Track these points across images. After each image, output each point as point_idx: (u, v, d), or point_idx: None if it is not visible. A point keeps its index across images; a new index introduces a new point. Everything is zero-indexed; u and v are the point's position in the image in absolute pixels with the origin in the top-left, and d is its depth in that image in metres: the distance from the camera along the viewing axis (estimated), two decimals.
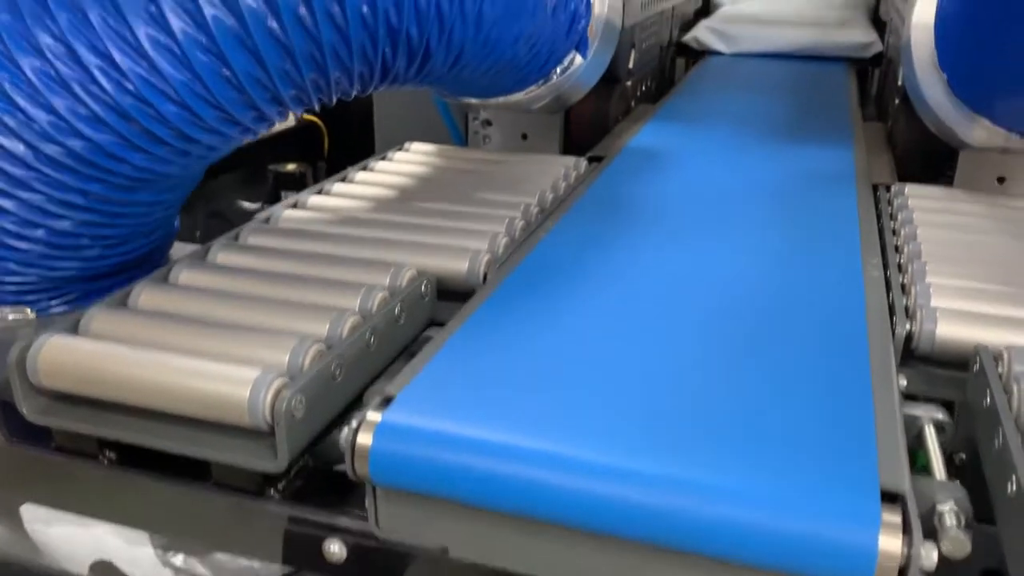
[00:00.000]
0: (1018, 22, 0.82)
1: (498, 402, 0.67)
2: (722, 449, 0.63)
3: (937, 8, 1.11)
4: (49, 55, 0.82)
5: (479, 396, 0.68)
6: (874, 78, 2.37)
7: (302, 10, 0.83)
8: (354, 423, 0.64)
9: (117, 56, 0.82)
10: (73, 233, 0.95)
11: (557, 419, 0.65)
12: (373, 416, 0.64)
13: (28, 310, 1.00)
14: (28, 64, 0.83)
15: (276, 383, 0.68)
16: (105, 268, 1.03)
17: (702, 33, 2.44)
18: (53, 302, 1.01)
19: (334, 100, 0.95)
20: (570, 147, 1.58)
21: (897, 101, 1.52)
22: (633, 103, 1.81)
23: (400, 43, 0.91)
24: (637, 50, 1.72)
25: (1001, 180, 1.31)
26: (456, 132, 1.63)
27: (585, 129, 1.59)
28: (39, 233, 0.93)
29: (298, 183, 2.67)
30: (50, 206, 0.91)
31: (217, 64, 0.83)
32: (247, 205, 2.59)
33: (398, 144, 1.68)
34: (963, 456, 0.78)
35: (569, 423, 0.65)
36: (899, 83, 1.53)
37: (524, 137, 1.58)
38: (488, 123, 1.59)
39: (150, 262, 1.11)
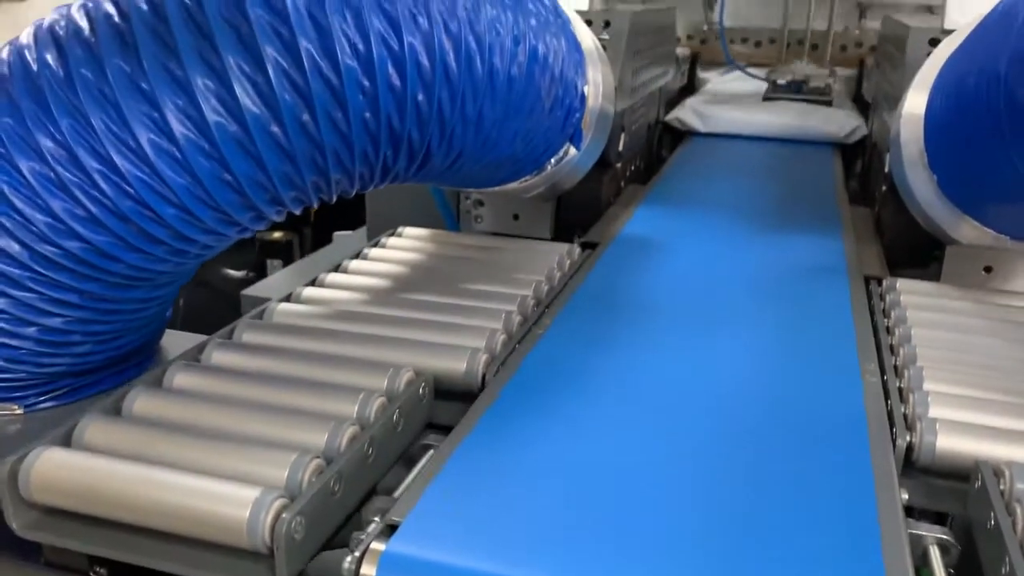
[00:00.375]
0: (1004, 137, 0.85)
1: (506, 531, 0.66)
2: (732, 571, 0.62)
3: (926, 110, 1.14)
4: (49, 158, 0.82)
5: (485, 524, 0.67)
6: (858, 156, 2.42)
7: (305, 116, 0.83)
8: (357, 552, 0.63)
9: (118, 160, 0.82)
10: (65, 330, 0.94)
11: (566, 549, 0.64)
12: (377, 545, 0.63)
13: (16, 407, 0.98)
14: (27, 167, 0.83)
15: (276, 504, 0.67)
16: (96, 363, 1.01)
17: (686, 114, 2.44)
18: (42, 398, 0.99)
19: (334, 199, 0.96)
20: (561, 228, 1.60)
21: (884, 188, 1.54)
22: (623, 184, 1.83)
23: (402, 146, 0.91)
24: (627, 133, 1.74)
25: (988, 269, 1.33)
26: (447, 211, 1.64)
27: (577, 211, 1.61)
28: (31, 331, 0.92)
29: (284, 251, 2.68)
30: (43, 304, 0.90)
31: (218, 168, 0.84)
32: (232, 273, 2.58)
33: (387, 212, 1.68)
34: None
35: (578, 554, 0.64)
36: (886, 169, 1.56)
37: (516, 217, 1.59)
38: (480, 203, 1.60)
39: (141, 354, 1.10)
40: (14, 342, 0.92)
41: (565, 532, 0.66)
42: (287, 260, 2.63)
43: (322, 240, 2.43)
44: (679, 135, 2.46)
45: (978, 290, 1.22)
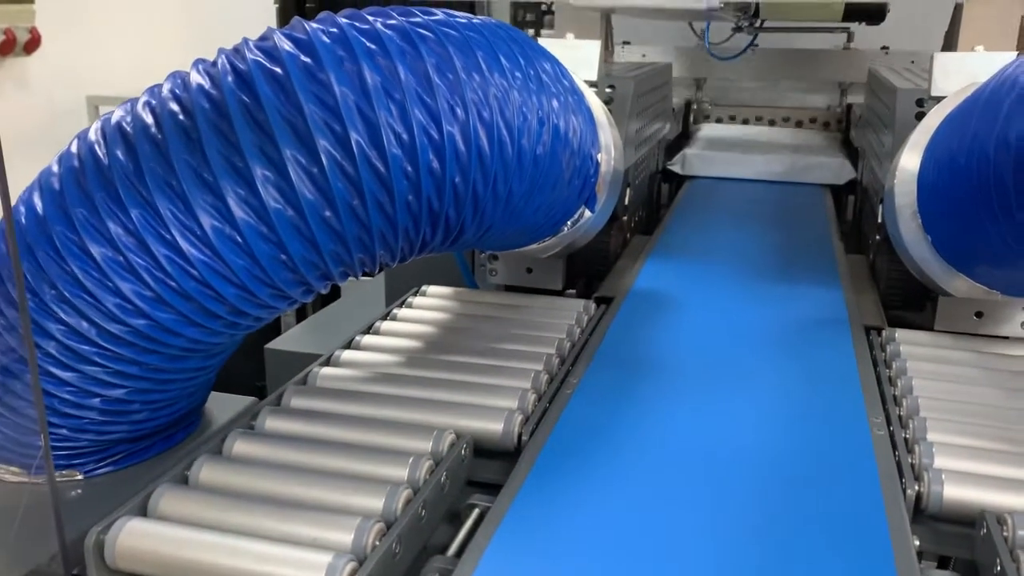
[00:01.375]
0: (994, 213, 0.92)
1: None
2: None
3: (919, 176, 1.22)
4: (120, 245, 0.89)
5: None
6: (847, 192, 2.50)
7: (355, 201, 0.91)
8: None
9: (184, 245, 0.89)
10: (126, 400, 1.00)
11: None
12: None
13: (77, 473, 1.03)
14: (99, 253, 0.89)
15: (347, 568, 0.73)
16: (150, 429, 1.07)
17: (685, 160, 2.55)
18: (100, 464, 1.05)
19: (376, 271, 1.03)
20: (571, 277, 1.67)
21: (878, 238, 1.63)
22: (629, 234, 1.91)
23: (439, 223, 0.99)
24: (632, 188, 1.83)
25: (979, 315, 1.41)
26: (464, 265, 1.71)
27: (586, 263, 1.68)
28: (95, 402, 0.98)
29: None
30: (107, 377, 0.96)
31: (275, 250, 0.91)
32: None
33: (404, 265, 1.75)
34: None
35: None
36: (879, 220, 1.64)
37: (529, 271, 1.66)
38: (495, 258, 1.66)
39: (188, 419, 1.16)
40: (79, 412, 0.98)
41: None
42: (299, 308, 2.69)
43: (334, 291, 2.51)
44: (672, 176, 2.55)
45: (973, 339, 1.30)
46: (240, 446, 0.95)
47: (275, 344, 1.76)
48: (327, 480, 0.87)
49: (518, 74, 1.05)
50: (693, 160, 2.54)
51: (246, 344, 2.05)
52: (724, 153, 2.56)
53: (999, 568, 0.77)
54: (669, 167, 2.53)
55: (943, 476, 0.89)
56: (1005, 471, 0.91)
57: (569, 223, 1.35)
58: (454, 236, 1.04)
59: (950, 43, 2.27)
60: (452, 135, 0.94)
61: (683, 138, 2.82)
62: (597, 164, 1.33)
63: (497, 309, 1.40)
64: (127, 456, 1.07)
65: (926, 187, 1.18)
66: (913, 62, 2.62)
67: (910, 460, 0.95)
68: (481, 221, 1.04)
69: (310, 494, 0.85)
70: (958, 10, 2.12)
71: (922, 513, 0.90)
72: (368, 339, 1.26)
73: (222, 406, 1.23)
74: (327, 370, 1.14)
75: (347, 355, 1.20)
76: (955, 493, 0.88)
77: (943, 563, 0.92)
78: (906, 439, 1.00)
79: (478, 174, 0.98)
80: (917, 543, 0.84)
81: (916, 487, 0.90)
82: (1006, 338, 1.34)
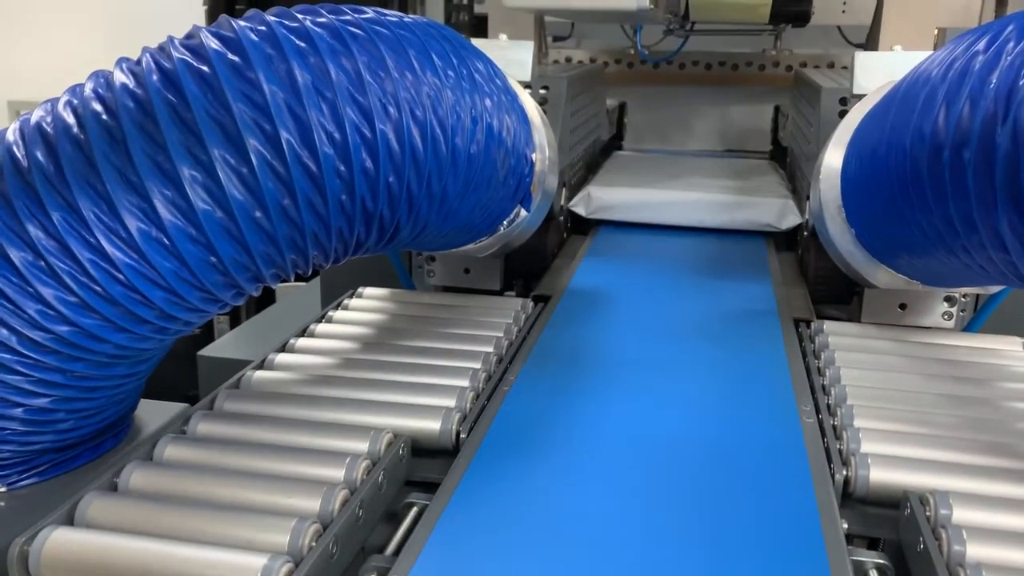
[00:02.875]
0: (911, 202, 0.96)
1: None
2: None
3: (843, 169, 1.26)
4: (41, 249, 0.86)
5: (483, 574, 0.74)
6: None
7: (286, 201, 0.90)
8: None
9: (108, 248, 0.86)
10: (50, 409, 0.97)
11: None
12: None
13: (0, 485, 1.00)
14: (19, 258, 0.87)
15: (283, 570, 0.72)
16: (77, 438, 1.04)
17: (589, 200, 1.97)
18: (24, 475, 1.02)
19: (309, 272, 1.02)
20: (509, 277, 1.68)
21: (806, 234, 1.67)
22: (565, 233, 1.93)
23: (374, 223, 0.98)
24: (567, 187, 1.84)
25: (903, 306, 1.46)
26: (400, 267, 1.70)
27: (525, 263, 1.69)
28: (17, 412, 0.95)
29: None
30: (30, 386, 0.93)
31: (204, 253, 0.89)
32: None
33: (340, 267, 1.73)
34: None
35: None
36: (806, 217, 1.68)
37: (467, 271, 1.66)
38: (432, 259, 1.66)
39: (117, 426, 1.13)
40: (1, 423, 0.95)
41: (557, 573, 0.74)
42: (233, 315, 2.65)
43: (265, 292, 2.47)
44: None
45: (898, 328, 1.34)
46: (172, 451, 0.93)
47: (208, 351, 1.73)
48: (262, 482, 0.86)
49: (451, 73, 1.05)
50: (599, 200, 1.97)
51: (178, 351, 2.02)
52: (638, 191, 2.01)
53: (922, 546, 0.80)
54: (572, 208, 1.96)
55: (869, 460, 0.92)
56: (928, 453, 0.95)
57: (505, 223, 1.35)
58: (389, 236, 1.03)
59: (872, 46, 2.34)
60: (385, 134, 0.94)
61: (617, 138, 2.85)
62: (532, 163, 1.33)
63: (434, 309, 1.40)
64: (53, 466, 1.04)
65: (849, 181, 1.21)
66: (834, 65, 2.71)
67: (838, 446, 0.97)
68: (416, 220, 1.04)
69: (245, 497, 0.84)
70: (879, 12, 2.19)
71: (850, 497, 0.93)
72: (303, 342, 1.25)
73: (153, 413, 1.20)
74: (261, 374, 1.13)
75: (281, 358, 1.18)
76: (881, 476, 0.91)
77: (873, 546, 0.95)
78: (834, 426, 1.03)
79: (412, 173, 0.98)
80: (846, 526, 0.86)
81: (844, 471, 0.92)
82: (928, 328, 1.39)
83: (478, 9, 3.03)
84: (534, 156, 1.34)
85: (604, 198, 1.98)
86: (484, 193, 1.15)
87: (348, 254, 1.02)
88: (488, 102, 1.11)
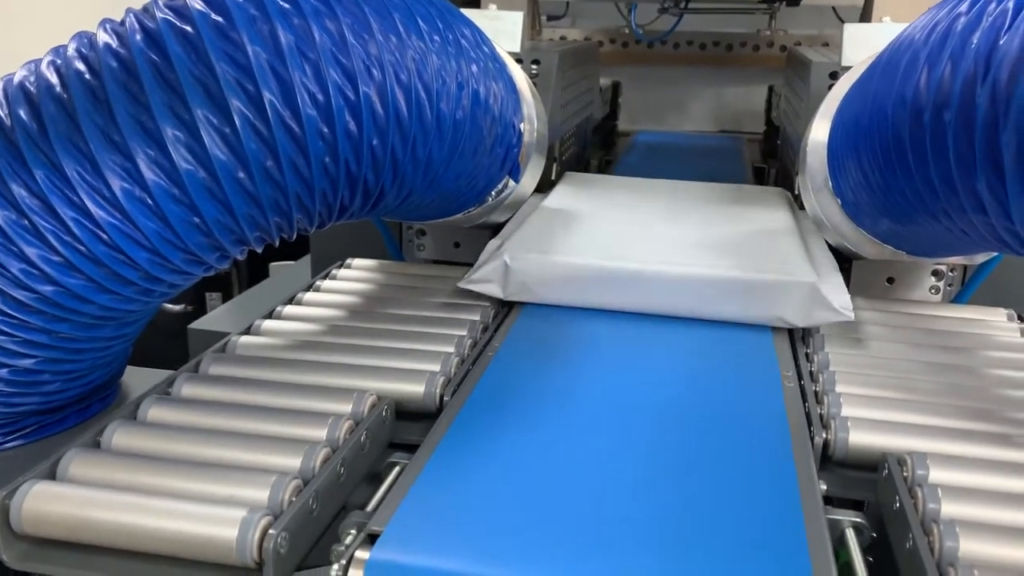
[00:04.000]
0: (894, 170, 0.96)
1: (478, 533, 0.74)
2: (676, 551, 0.71)
3: (828, 141, 1.26)
4: (24, 208, 0.87)
5: (459, 529, 0.74)
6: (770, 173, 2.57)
7: (269, 162, 0.90)
8: (343, 561, 0.69)
9: (92, 208, 0.87)
10: (36, 370, 0.97)
11: (537, 545, 0.72)
12: (361, 554, 0.69)
13: None
14: (2, 216, 0.87)
15: (262, 523, 0.73)
16: (63, 400, 1.05)
17: (505, 277, 1.27)
18: (9, 437, 1.03)
19: (294, 236, 1.02)
20: None
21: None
22: None
23: (358, 187, 0.98)
24: (559, 163, 1.84)
25: (890, 280, 1.47)
26: (391, 241, 1.70)
27: None
28: (2, 372, 0.95)
29: (222, 283, 2.69)
30: (14, 346, 0.94)
31: (188, 213, 0.89)
32: (171, 307, 2.59)
33: (331, 241, 1.73)
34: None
35: (547, 547, 0.72)
36: (795, 191, 1.68)
37: (456, 245, 1.66)
38: (422, 233, 1.67)
39: (104, 390, 1.13)
40: None
41: (533, 529, 0.74)
42: (226, 292, 2.65)
43: (258, 271, 2.47)
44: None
45: (881, 300, 1.35)
46: (155, 412, 0.93)
47: (198, 324, 1.74)
48: (243, 441, 0.86)
49: (436, 37, 1.05)
50: (523, 274, 1.26)
51: (170, 325, 2.01)
52: (584, 261, 1.27)
53: (898, 504, 0.80)
54: (475, 287, 1.29)
55: (849, 423, 0.93)
56: (908, 418, 0.95)
57: (493, 193, 1.35)
58: (374, 201, 1.03)
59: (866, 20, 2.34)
60: (368, 96, 0.93)
61: (611, 118, 2.84)
62: (520, 134, 1.33)
63: (422, 280, 1.40)
64: (38, 428, 1.05)
65: (834, 153, 1.21)
66: (828, 44, 2.70)
67: (819, 411, 0.98)
68: (401, 186, 1.04)
69: (226, 455, 0.84)
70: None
71: (830, 460, 0.93)
72: (289, 309, 1.25)
73: (140, 380, 1.21)
74: (247, 339, 1.13)
75: (268, 324, 1.19)
76: (860, 439, 0.92)
77: (859, 510, 0.95)
78: (816, 392, 1.03)
79: (396, 137, 0.98)
80: (824, 487, 0.87)
81: (824, 434, 0.93)
82: (915, 301, 1.39)
83: None
84: (522, 126, 1.34)
85: (531, 272, 1.25)
86: (470, 161, 1.15)
87: (333, 218, 1.02)
88: (474, 68, 1.11)
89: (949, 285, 1.45)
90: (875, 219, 1.14)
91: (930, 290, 1.45)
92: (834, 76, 1.55)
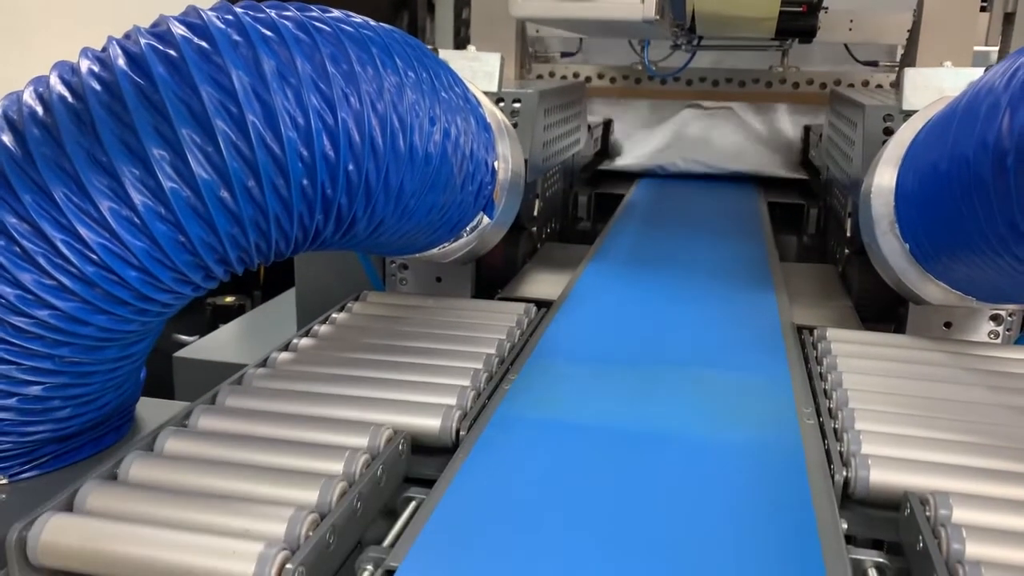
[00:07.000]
0: (976, 213, 0.96)
1: (497, 569, 0.73)
2: None
3: (897, 186, 1.26)
4: (15, 233, 0.87)
5: (474, 565, 0.74)
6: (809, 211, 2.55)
7: (251, 182, 0.91)
8: None
9: (81, 229, 0.87)
10: (45, 397, 0.97)
11: None
12: None
13: (1, 476, 1.00)
14: None
15: (279, 557, 0.72)
16: (77, 427, 1.04)
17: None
18: (26, 467, 1.02)
19: (270, 261, 1.02)
20: (482, 286, 1.69)
21: (848, 251, 1.67)
22: (539, 244, 1.94)
23: (332, 212, 0.99)
24: (541, 199, 1.85)
25: (948, 325, 1.45)
26: (373, 275, 1.70)
27: (495, 271, 1.71)
28: (12, 401, 0.95)
29: (236, 314, 2.70)
30: (20, 374, 0.94)
31: (174, 232, 0.90)
32: (184, 338, 2.59)
33: (315, 277, 1.75)
34: None
35: None
36: (847, 234, 1.67)
37: (438, 280, 1.66)
38: (404, 267, 1.66)
39: (119, 418, 1.13)
40: None
41: (550, 566, 0.73)
42: (210, 320, 2.67)
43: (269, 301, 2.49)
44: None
45: (900, 336, 1.34)
46: (172, 443, 0.93)
47: (185, 352, 1.76)
48: (260, 474, 0.86)
49: (411, 74, 1.07)
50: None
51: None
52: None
53: (922, 545, 0.79)
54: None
55: (869, 461, 0.92)
56: (928, 455, 0.94)
57: (468, 228, 1.37)
58: (345, 228, 1.03)
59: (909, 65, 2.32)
60: (346, 122, 0.95)
61: (601, 155, 2.85)
62: (494, 171, 1.36)
63: (439, 313, 1.40)
64: (54, 458, 1.05)
65: (905, 197, 1.21)
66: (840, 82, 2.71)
67: (839, 448, 0.97)
68: (373, 213, 1.05)
69: (243, 488, 0.84)
70: (916, 32, 2.16)
71: (851, 498, 0.92)
72: (305, 341, 1.25)
73: (155, 411, 1.21)
74: (263, 371, 1.13)
75: (284, 356, 1.19)
76: (881, 477, 0.91)
77: (881, 549, 0.94)
78: (835, 429, 1.02)
79: (371, 164, 0.99)
80: (845, 526, 0.86)
81: (844, 472, 0.92)
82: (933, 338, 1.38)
83: None
84: (496, 164, 1.36)
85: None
86: (441, 194, 1.17)
87: (307, 242, 1.02)
88: (447, 106, 1.14)
89: (1008, 330, 1.42)
90: (949, 265, 1.14)
91: (989, 335, 1.43)
92: (888, 119, 1.51)
